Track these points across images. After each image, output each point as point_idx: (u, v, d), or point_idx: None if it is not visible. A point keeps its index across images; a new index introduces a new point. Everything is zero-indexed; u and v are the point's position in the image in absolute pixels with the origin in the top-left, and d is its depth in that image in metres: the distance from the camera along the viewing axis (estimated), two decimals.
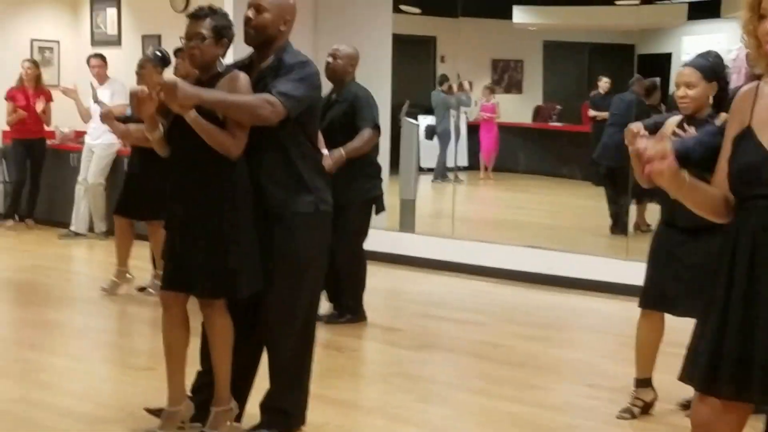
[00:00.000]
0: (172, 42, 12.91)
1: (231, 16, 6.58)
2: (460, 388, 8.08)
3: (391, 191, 13.55)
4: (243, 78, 6.40)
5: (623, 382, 7.66)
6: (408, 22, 17.97)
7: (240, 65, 6.65)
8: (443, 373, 8.56)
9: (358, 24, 13.85)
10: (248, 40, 6.55)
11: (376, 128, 9.74)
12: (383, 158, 13.81)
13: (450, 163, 18.46)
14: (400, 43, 18.36)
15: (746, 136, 4.03)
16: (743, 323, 3.92)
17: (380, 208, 10.22)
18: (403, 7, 17.96)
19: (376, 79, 13.29)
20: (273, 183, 6.39)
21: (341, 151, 9.21)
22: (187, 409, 6.61)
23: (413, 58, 20.13)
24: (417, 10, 18.65)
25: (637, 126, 6.37)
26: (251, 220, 6.39)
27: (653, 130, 6.68)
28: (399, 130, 14.43)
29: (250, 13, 6.49)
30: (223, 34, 6.46)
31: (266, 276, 6.45)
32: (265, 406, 6.67)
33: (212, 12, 6.50)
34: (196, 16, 6.48)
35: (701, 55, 6.93)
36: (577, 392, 7.98)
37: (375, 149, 10.09)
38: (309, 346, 6.73)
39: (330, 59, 9.90)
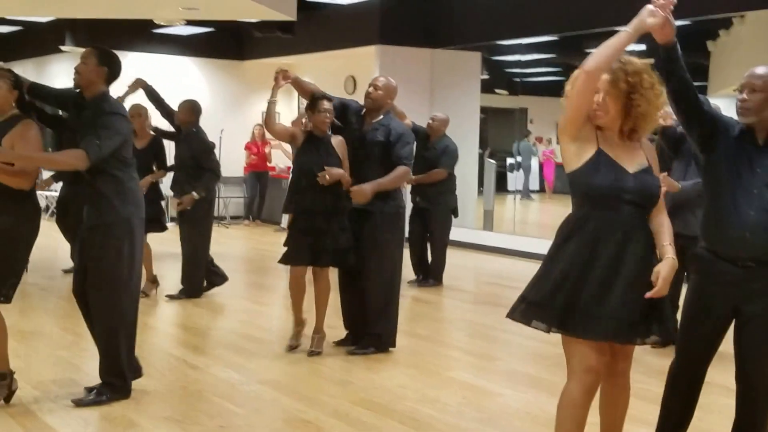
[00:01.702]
0: None
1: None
2: (497, 329, 7.90)
3: (477, 204, 13.56)
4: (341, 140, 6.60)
5: None
6: (501, 99, 17.83)
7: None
8: (489, 320, 8.37)
9: (460, 100, 13.76)
10: (366, 105, 6.60)
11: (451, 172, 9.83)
12: (473, 185, 13.83)
13: (520, 187, 18.38)
14: (494, 113, 18.28)
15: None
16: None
17: (456, 215, 10.15)
18: (497, 90, 17.86)
19: (469, 134, 13.37)
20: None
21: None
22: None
23: (504, 122, 19.99)
24: (506, 92, 18.49)
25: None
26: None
27: None
28: (484, 167, 14.37)
29: (370, 89, 6.56)
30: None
31: (361, 253, 6.56)
32: (365, 332, 6.72)
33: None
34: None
35: None
36: None
37: (454, 178, 10.07)
38: (395, 296, 6.74)
39: (430, 121, 9.90)
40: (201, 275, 8.86)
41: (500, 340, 7.61)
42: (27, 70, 17.51)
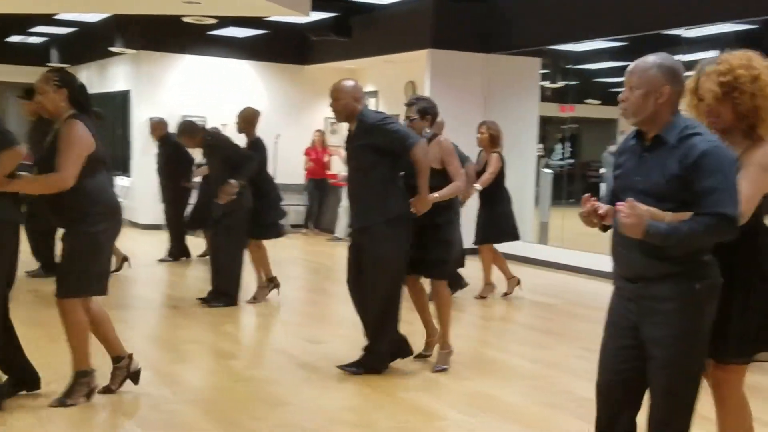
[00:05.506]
0: None
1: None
2: (500, 348, 7.41)
3: (535, 216, 13.22)
4: (448, 143, 6.62)
5: None
6: (595, 109, 17.24)
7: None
8: (496, 338, 7.89)
9: (516, 108, 13.31)
10: (339, 121, 6.31)
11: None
12: (530, 196, 13.28)
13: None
14: (587, 123, 17.62)
15: None
16: None
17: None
18: (588, 101, 17.25)
19: (528, 144, 13.24)
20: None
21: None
22: None
23: (600, 133, 19.30)
24: (598, 102, 17.89)
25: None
26: None
27: None
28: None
29: (332, 104, 6.18)
30: (427, 112, 6.57)
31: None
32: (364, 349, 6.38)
33: (418, 99, 6.68)
34: (408, 104, 6.63)
35: None
36: (572, 354, 7.26)
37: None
38: (393, 313, 6.28)
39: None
40: (238, 284, 8.75)
41: (496, 361, 7.00)
42: (92, 74, 17.76)
